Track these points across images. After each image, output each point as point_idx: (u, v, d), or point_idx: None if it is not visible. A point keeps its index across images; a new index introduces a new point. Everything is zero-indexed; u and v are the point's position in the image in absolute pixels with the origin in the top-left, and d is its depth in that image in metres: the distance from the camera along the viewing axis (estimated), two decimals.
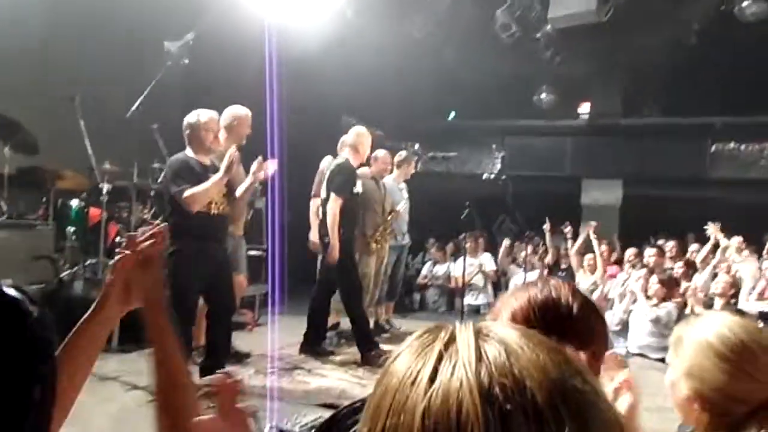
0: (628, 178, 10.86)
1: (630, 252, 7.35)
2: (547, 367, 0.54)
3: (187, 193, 4.10)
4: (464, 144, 11.48)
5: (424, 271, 9.12)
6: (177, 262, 4.07)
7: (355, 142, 5.45)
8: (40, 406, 0.73)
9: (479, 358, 0.54)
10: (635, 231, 9.62)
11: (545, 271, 7.84)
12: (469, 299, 8.17)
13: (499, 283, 8.62)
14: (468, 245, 8.46)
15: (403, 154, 6.91)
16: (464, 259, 6.35)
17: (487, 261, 8.57)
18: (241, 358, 4.99)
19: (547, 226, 7.87)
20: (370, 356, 5.04)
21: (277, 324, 5.47)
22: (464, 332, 0.58)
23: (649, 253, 6.67)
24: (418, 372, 0.55)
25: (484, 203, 9.16)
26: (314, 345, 5.35)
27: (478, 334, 0.57)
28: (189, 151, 4.32)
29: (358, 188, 5.38)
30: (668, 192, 10.61)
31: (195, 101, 8.53)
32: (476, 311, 8.28)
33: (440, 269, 9.02)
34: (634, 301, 6.07)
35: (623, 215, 10.95)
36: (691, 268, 6.53)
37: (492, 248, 9.81)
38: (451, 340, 0.57)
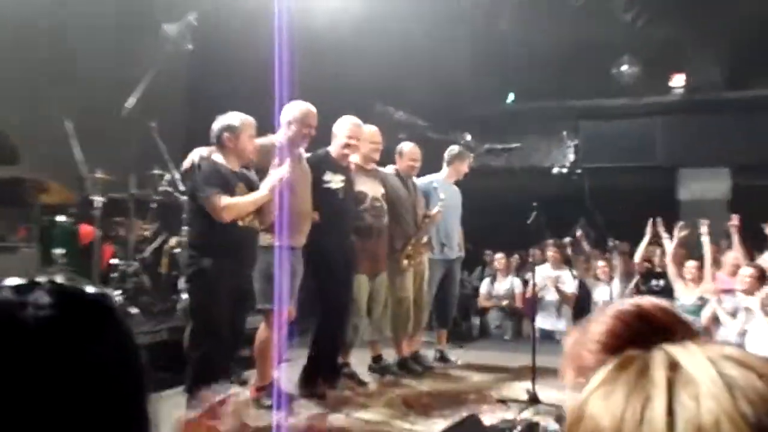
0: (738, 166, 10.63)
1: (732, 257, 7.15)
2: None
3: (224, 201, 4.32)
4: (527, 132, 11.40)
5: (483, 289, 9.05)
6: (200, 283, 4.34)
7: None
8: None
9: (729, 386, 0.54)
10: (750, 231, 9.36)
11: (633, 285, 7.68)
12: (542, 322, 8.07)
13: (580, 301, 8.50)
14: (551, 254, 8.40)
15: (455, 149, 6.90)
16: (533, 271, 6.27)
17: (566, 277, 8.47)
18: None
19: (649, 229, 7.66)
20: (317, 389, 5.02)
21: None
22: (688, 356, 0.58)
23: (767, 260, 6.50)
24: (643, 408, 0.55)
25: (555, 205, 9.06)
26: (308, 384, 5.29)
27: (709, 357, 0.57)
28: (218, 156, 4.54)
29: (331, 179, 5.30)
30: None
31: (201, 93, 8.78)
32: (549, 337, 8.18)
33: (501, 286, 8.94)
34: (751, 319, 5.91)
35: (733, 212, 10.68)
36: None
37: (568, 260, 9.69)
38: (675, 365, 0.57)
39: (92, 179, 6.42)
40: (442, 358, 6.74)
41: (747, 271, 6.24)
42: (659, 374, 0.56)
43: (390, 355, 6.14)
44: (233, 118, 4.59)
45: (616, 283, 7.98)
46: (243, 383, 5.13)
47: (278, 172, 4.56)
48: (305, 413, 4.75)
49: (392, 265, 5.92)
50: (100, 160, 6.52)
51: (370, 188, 5.76)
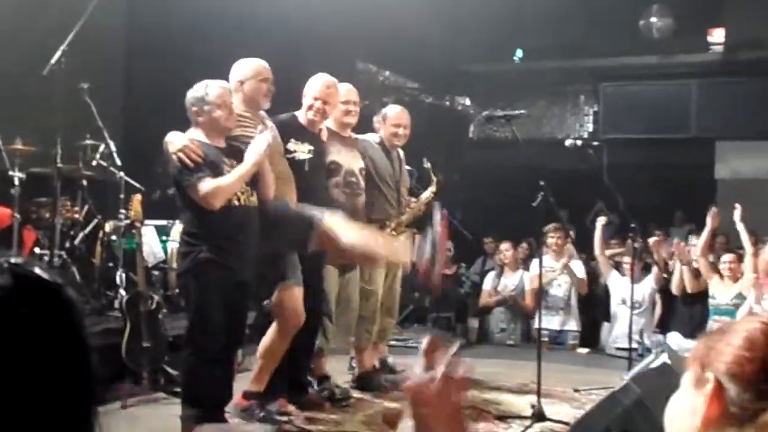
0: None
1: None
2: None
3: (206, 186, 4.40)
4: (538, 96, 11.42)
5: (487, 284, 9.03)
6: (199, 274, 4.46)
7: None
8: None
9: None
10: None
11: (659, 279, 7.72)
12: (549, 321, 8.11)
13: (591, 296, 8.54)
14: (552, 241, 8.39)
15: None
16: (540, 262, 6.26)
17: (575, 267, 8.50)
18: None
19: (710, 219, 7.53)
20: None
21: None
22: None
23: None
24: None
25: (570, 183, 9.08)
26: (293, 393, 5.33)
27: None
28: (197, 133, 4.63)
29: (295, 148, 5.25)
30: None
31: (143, 48, 8.70)
32: (555, 340, 8.23)
33: (510, 281, 8.95)
34: None
35: None
36: None
37: (582, 250, 9.70)
38: None
39: (9, 151, 6.36)
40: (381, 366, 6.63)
41: None
42: None
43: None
44: (199, 88, 4.64)
45: (648, 281, 7.99)
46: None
47: (261, 139, 4.57)
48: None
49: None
50: (18, 128, 6.45)
51: (345, 159, 5.68)
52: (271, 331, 4.96)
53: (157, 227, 7.07)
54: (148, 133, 8.30)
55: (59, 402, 0.88)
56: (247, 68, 5.02)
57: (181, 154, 4.44)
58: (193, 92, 4.67)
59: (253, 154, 4.57)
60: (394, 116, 6.17)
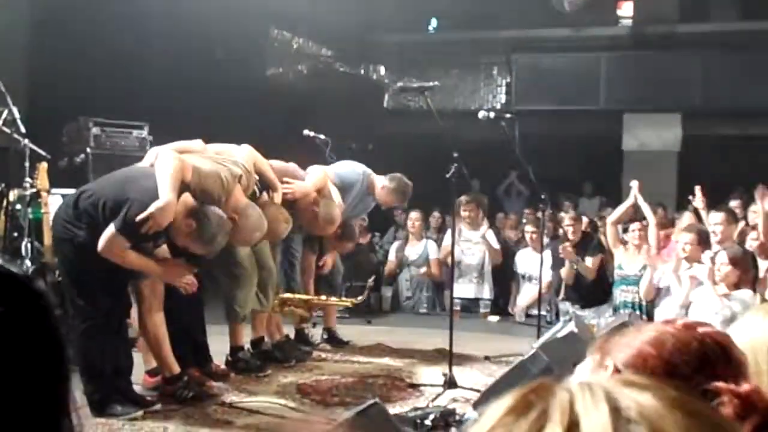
0: (691, 111, 11.04)
1: (686, 220, 7.44)
2: None
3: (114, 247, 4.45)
4: (451, 67, 11.48)
5: (392, 254, 9.16)
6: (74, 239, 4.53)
7: None
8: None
9: None
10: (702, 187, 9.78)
11: (563, 249, 7.81)
12: (462, 290, 8.26)
13: (504, 268, 8.72)
14: (466, 213, 8.52)
15: None
16: (453, 231, 6.35)
17: (489, 238, 8.66)
18: None
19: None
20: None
21: None
22: (592, 412, 0.59)
23: (715, 220, 6.77)
24: None
25: (482, 154, 9.21)
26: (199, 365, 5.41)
27: (616, 413, 0.58)
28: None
29: None
30: (749, 129, 10.77)
31: (51, 12, 8.41)
32: (467, 309, 8.39)
33: (414, 251, 9.07)
34: (698, 288, 6.19)
35: (683, 164, 11.12)
36: None
37: (495, 220, 9.88)
38: (574, 425, 0.58)
39: None
40: (331, 339, 6.78)
41: (686, 237, 6.50)
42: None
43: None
44: None
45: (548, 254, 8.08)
46: None
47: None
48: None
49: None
50: None
51: None
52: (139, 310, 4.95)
53: (64, 196, 6.91)
54: (54, 99, 8.13)
55: (36, 392, 0.89)
56: None
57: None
58: None
59: None
60: None
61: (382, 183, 6.48)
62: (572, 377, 1.35)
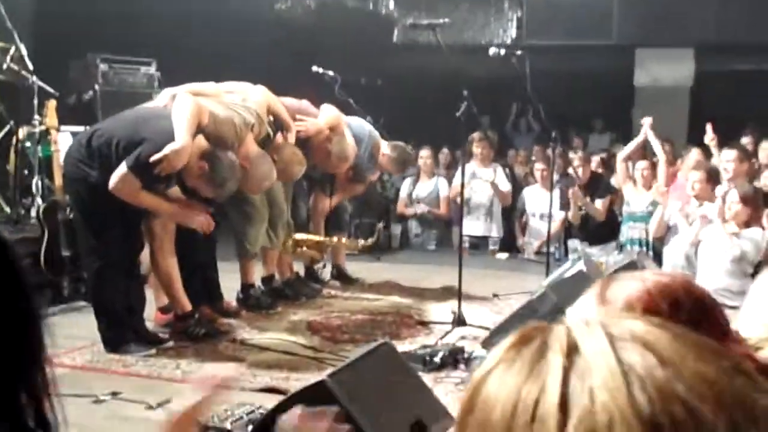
0: (704, 46, 10.89)
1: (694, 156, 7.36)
2: (721, 382, 0.58)
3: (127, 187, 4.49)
4: (460, 2, 11.32)
5: (403, 192, 9.15)
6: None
7: None
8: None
9: (626, 375, 0.57)
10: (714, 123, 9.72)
11: (573, 193, 7.77)
12: (471, 228, 8.27)
13: (514, 206, 8.73)
14: (479, 150, 8.50)
15: None
16: (463, 169, 6.32)
17: (498, 175, 8.65)
18: None
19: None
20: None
21: None
22: (589, 336, 0.61)
23: (727, 157, 6.74)
24: (536, 401, 0.58)
25: (492, 90, 9.14)
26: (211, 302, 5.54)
27: (612, 338, 0.60)
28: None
29: None
30: (764, 65, 10.64)
31: None
32: (476, 246, 8.43)
33: (425, 188, 9.06)
34: (707, 227, 6.20)
35: (695, 100, 11.04)
36: None
37: (504, 157, 9.84)
38: (573, 349, 0.60)
39: None
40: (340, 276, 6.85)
41: (695, 176, 6.49)
42: (555, 360, 0.60)
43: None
44: None
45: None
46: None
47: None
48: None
49: None
50: None
51: None
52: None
53: (74, 134, 6.91)
54: (61, 36, 8.07)
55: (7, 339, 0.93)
56: None
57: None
58: None
59: None
60: None
61: (384, 150, 6.47)
62: (571, 309, 1.37)
